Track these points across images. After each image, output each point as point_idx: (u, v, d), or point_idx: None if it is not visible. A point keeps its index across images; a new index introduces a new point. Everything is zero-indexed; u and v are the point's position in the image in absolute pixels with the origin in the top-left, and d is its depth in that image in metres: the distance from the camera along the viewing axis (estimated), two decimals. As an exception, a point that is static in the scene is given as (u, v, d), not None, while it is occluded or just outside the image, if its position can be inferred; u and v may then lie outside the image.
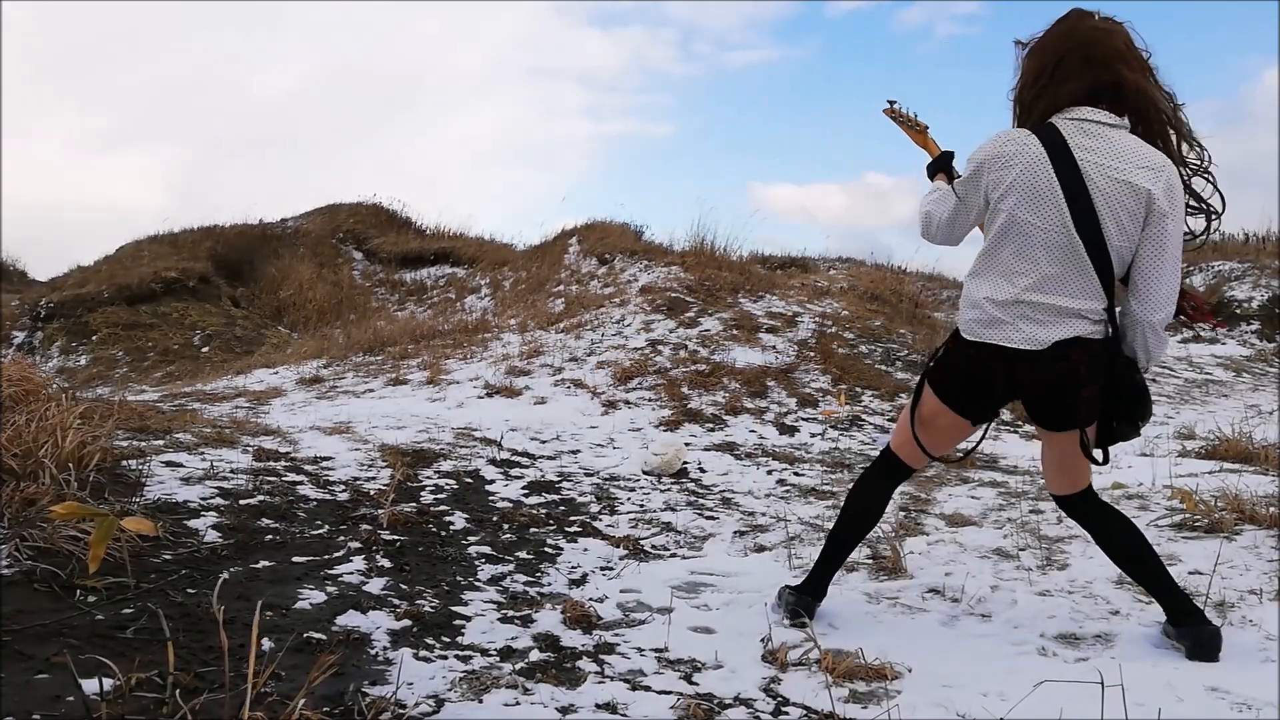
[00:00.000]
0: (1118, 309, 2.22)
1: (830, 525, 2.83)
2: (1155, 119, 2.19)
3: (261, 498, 3.34)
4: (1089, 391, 2.21)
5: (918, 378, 2.51)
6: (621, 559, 3.24)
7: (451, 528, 3.39)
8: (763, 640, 2.43)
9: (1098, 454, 2.33)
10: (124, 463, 3.36)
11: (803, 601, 2.59)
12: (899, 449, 2.54)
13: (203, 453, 3.85)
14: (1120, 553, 2.40)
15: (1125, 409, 2.25)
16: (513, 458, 4.65)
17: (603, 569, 3.12)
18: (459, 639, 2.37)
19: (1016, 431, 6.04)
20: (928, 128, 2.84)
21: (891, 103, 2.92)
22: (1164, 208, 2.12)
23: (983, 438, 2.81)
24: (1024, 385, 2.25)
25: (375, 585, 2.66)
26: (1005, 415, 6.11)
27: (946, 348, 2.39)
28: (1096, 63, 2.14)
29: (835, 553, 2.62)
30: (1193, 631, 2.28)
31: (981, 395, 2.34)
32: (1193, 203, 2.25)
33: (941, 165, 2.65)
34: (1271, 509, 3.32)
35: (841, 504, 2.67)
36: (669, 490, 4.32)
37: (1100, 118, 2.16)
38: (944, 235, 2.40)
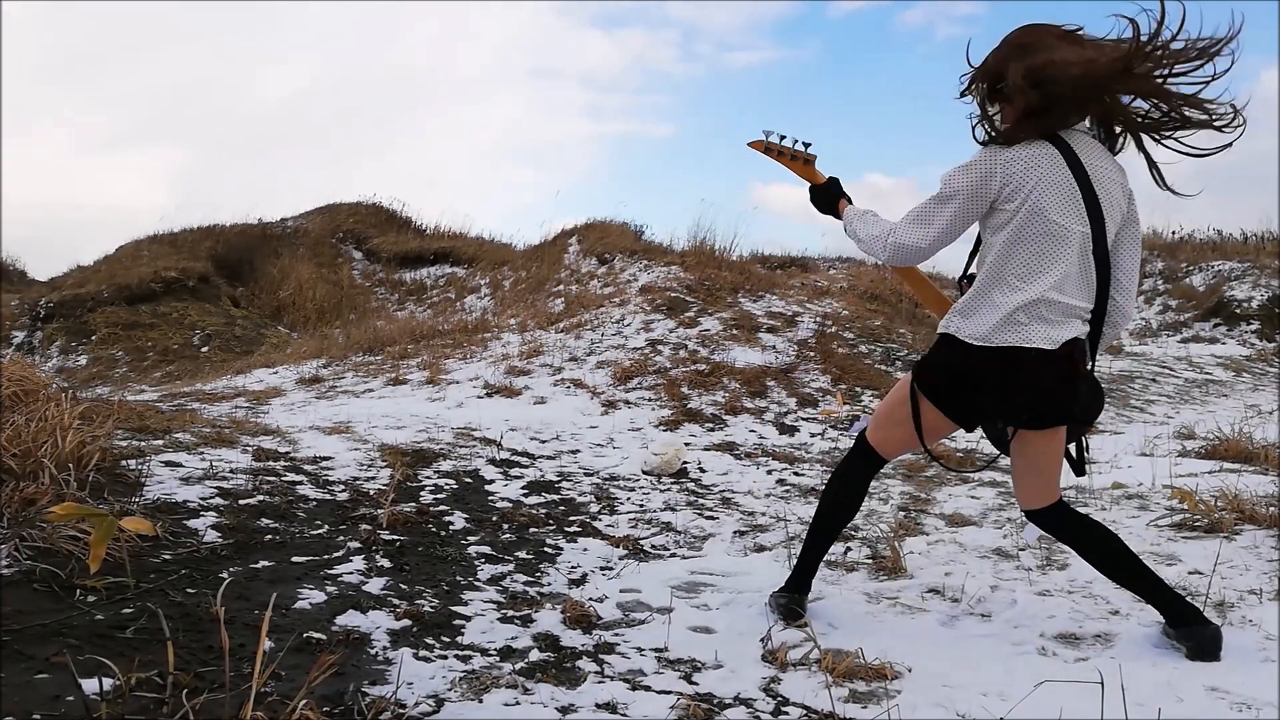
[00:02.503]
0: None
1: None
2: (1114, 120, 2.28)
3: (261, 498, 3.34)
4: (1079, 385, 2.27)
5: (905, 378, 2.48)
6: (621, 559, 3.24)
7: (451, 528, 3.39)
8: (763, 640, 2.43)
9: (1079, 461, 2.39)
10: (123, 463, 3.36)
11: (792, 600, 2.60)
12: (878, 443, 2.54)
13: (202, 453, 3.85)
14: (1103, 562, 2.39)
15: (1093, 402, 2.32)
16: (512, 458, 4.65)
17: (603, 569, 3.12)
18: (459, 639, 2.37)
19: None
20: (815, 157, 2.63)
21: (766, 134, 2.68)
22: (1136, 209, 2.31)
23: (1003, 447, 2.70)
24: (1024, 386, 2.24)
25: (375, 585, 2.66)
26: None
27: (939, 352, 2.36)
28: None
29: (816, 547, 2.64)
30: (1193, 632, 2.27)
31: (976, 398, 2.32)
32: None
33: (837, 190, 2.58)
34: (1271, 509, 3.32)
35: (821, 497, 2.67)
36: (669, 490, 4.32)
37: (1081, 126, 2.27)
38: (927, 253, 2.33)
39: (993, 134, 2.26)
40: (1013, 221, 2.19)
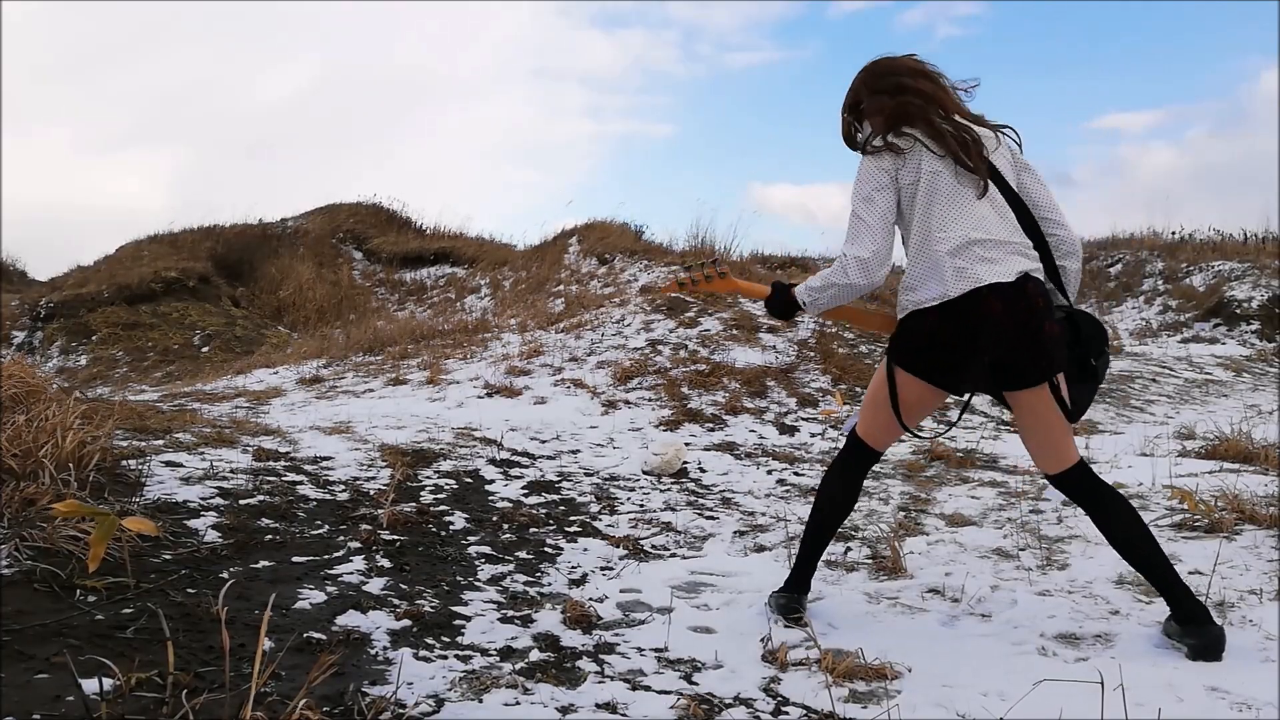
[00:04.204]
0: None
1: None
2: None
3: (261, 498, 3.34)
4: (1050, 328, 2.32)
5: (882, 364, 2.50)
6: (621, 559, 3.24)
7: (451, 528, 3.39)
8: (763, 640, 2.43)
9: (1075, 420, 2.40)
10: (124, 462, 3.36)
11: (792, 600, 2.61)
12: (867, 435, 2.56)
13: (202, 453, 3.85)
14: (1121, 540, 2.37)
15: (1094, 343, 2.42)
16: (513, 458, 4.66)
17: (603, 569, 3.12)
18: (459, 639, 2.37)
19: (1016, 431, 6.04)
20: (727, 270, 2.69)
21: (676, 275, 2.78)
22: (1024, 158, 2.50)
23: (962, 413, 2.88)
24: (994, 332, 2.27)
25: (375, 585, 2.66)
26: (1006, 416, 6.11)
27: (905, 327, 2.40)
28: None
29: (813, 546, 2.64)
30: (1198, 630, 2.27)
31: (951, 355, 2.34)
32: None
33: (783, 291, 2.58)
34: (1271, 509, 3.32)
35: (816, 495, 2.68)
36: (669, 490, 4.32)
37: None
38: (884, 249, 2.39)
39: (870, 139, 2.45)
40: (918, 191, 2.36)
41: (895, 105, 2.41)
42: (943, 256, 2.30)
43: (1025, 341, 2.29)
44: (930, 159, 2.36)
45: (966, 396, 2.68)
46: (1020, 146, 2.51)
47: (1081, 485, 2.41)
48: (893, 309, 2.52)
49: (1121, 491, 3.89)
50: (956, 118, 2.41)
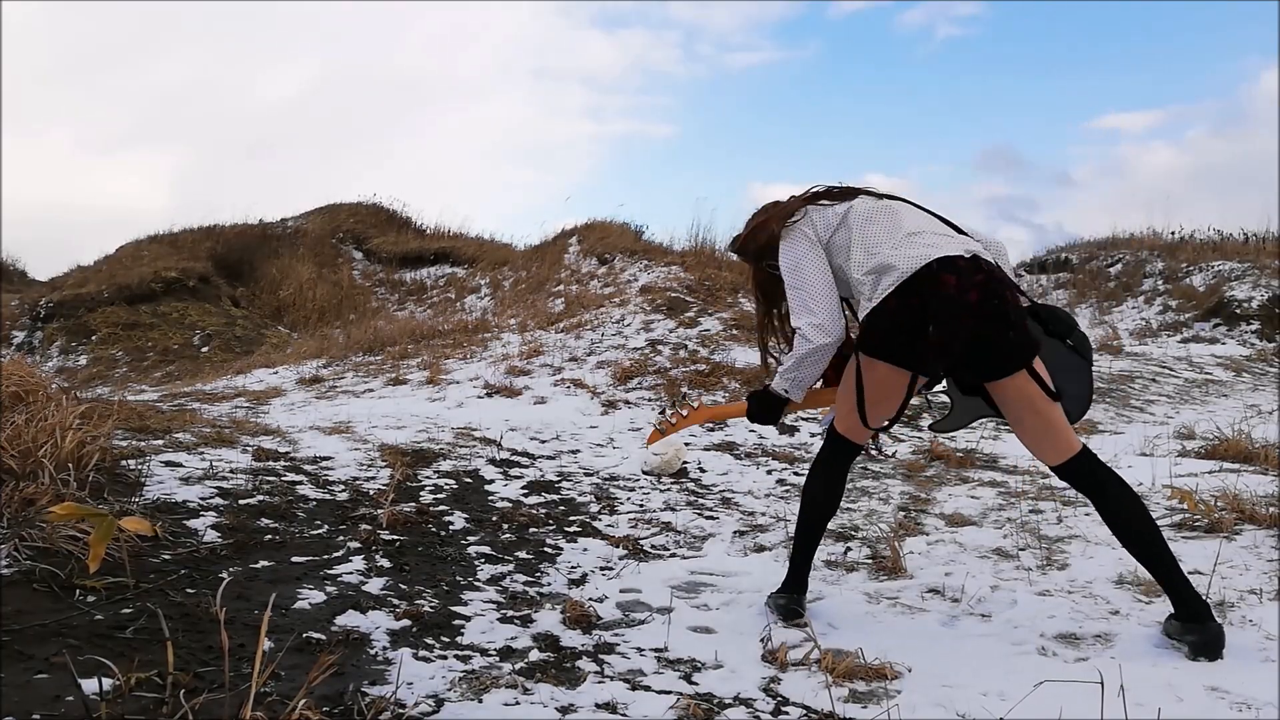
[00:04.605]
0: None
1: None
2: None
3: (261, 498, 3.34)
4: (1013, 297, 2.34)
5: (852, 359, 2.50)
6: (621, 559, 3.24)
7: (451, 528, 3.39)
8: (762, 640, 2.43)
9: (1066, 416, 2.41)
10: (123, 463, 3.36)
11: (790, 600, 2.62)
12: (845, 430, 2.56)
13: (202, 453, 3.85)
14: (1125, 531, 2.34)
15: (1061, 324, 2.49)
16: (512, 457, 4.65)
17: (602, 569, 3.12)
18: (459, 639, 2.37)
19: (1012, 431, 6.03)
20: (700, 403, 2.92)
21: (656, 423, 2.95)
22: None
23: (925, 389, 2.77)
24: (952, 305, 2.26)
25: (375, 585, 2.66)
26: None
27: (864, 324, 2.42)
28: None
29: (805, 546, 2.64)
30: (1198, 628, 2.27)
31: (912, 333, 2.33)
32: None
33: (760, 397, 2.63)
34: (1271, 509, 3.32)
35: (800, 495, 2.68)
36: (669, 490, 4.32)
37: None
38: (834, 310, 2.45)
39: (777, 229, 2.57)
40: (847, 230, 2.46)
41: (782, 206, 2.61)
42: (885, 255, 2.36)
43: (986, 315, 2.27)
44: (839, 207, 2.51)
45: (940, 384, 2.69)
46: None
47: (1086, 473, 2.38)
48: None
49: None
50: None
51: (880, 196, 2.55)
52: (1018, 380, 2.35)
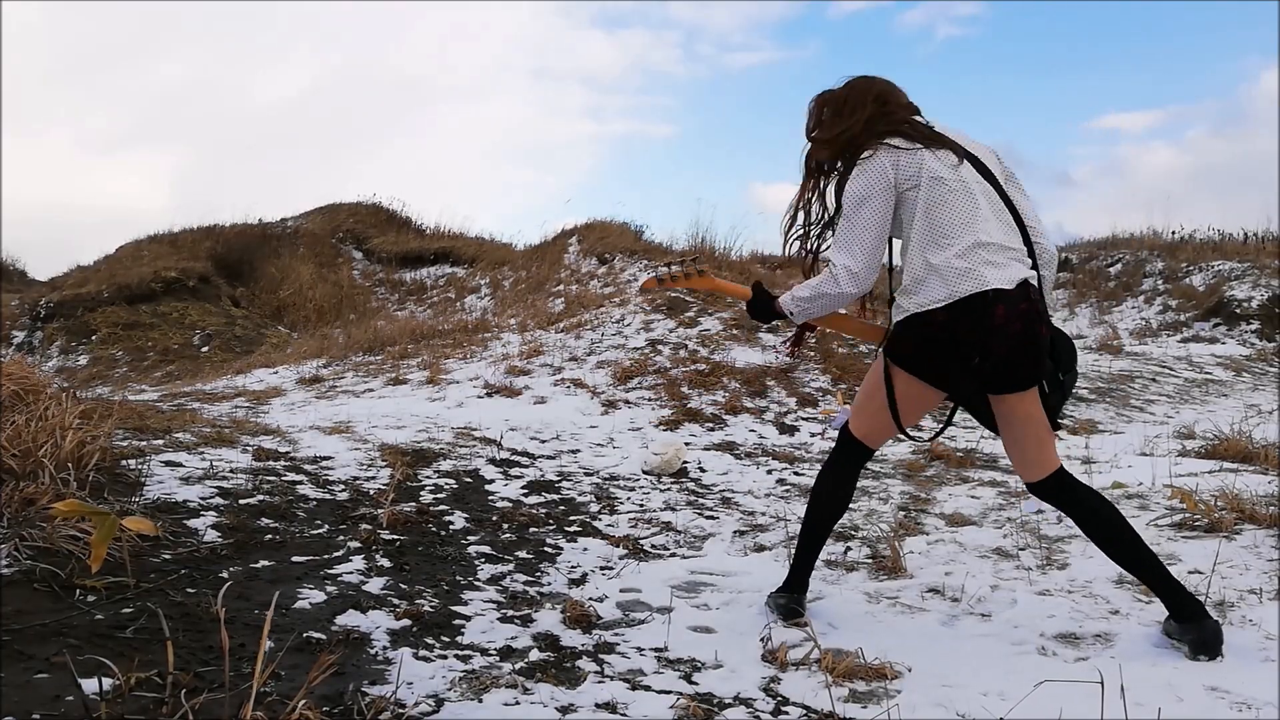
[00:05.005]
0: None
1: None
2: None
3: (261, 497, 3.34)
4: (1044, 331, 2.33)
5: (877, 362, 2.48)
6: (621, 559, 3.24)
7: (451, 527, 3.39)
8: (762, 640, 2.43)
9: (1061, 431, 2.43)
10: (124, 462, 3.36)
11: (791, 600, 2.61)
12: (862, 434, 2.54)
13: (202, 452, 3.85)
14: (1106, 541, 2.37)
15: (1065, 359, 2.43)
16: (512, 457, 4.65)
17: (603, 569, 3.12)
18: (459, 639, 2.37)
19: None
20: (706, 268, 2.71)
21: (656, 272, 2.73)
22: (1008, 165, 2.50)
23: (950, 419, 2.75)
24: (997, 336, 2.25)
25: (375, 585, 2.66)
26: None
27: (904, 329, 2.36)
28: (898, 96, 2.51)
29: (810, 546, 2.64)
30: (1194, 626, 2.27)
31: (951, 357, 2.32)
32: None
33: (765, 295, 2.59)
34: (1271, 509, 3.32)
35: (809, 495, 2.67)
36: (669, 490, 4.32)
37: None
38: (875, 260, 2.38)
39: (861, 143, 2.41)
40: (920, 196, 2.31)
41: (882, 112, 2.41)
42: (948, 259, 2.27)
43: (1024, 344, 2.28)
44: (931, 160, 2.32)
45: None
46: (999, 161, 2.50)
47: (1062, 491, 2.41)
48: (881, 315, 2.51)
49: (1121, 491, 3.92)
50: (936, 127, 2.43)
51: (961, 157, 2.36)
52: (1026, 397, 2.36)
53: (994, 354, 2.28)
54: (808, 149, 2.55)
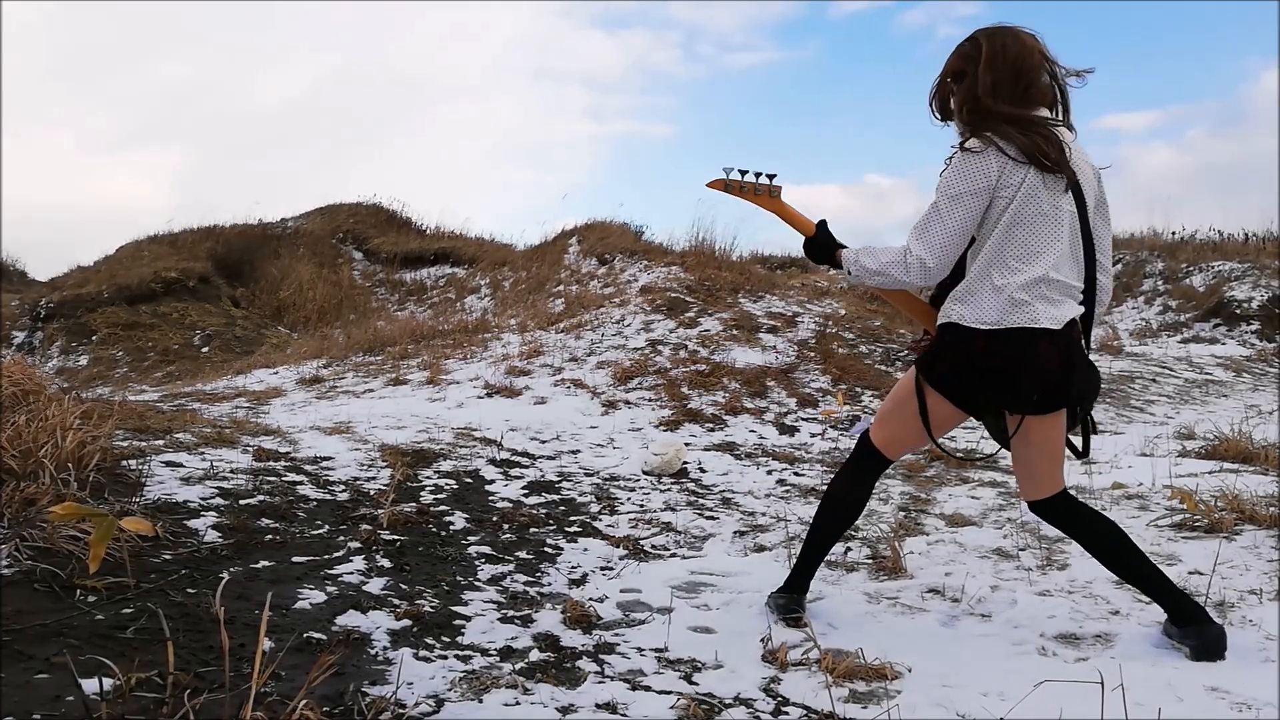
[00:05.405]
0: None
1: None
2: (1069, 111, 2.38)
3: (261, 498, 3.34)
4: (1081, 361, 2.31)
5: (909, 375, 2.46)
6: (621, 559, 3.24)
7: (451, 528, 3.39)
8: (763, 640, 2.43)
9: (1079, 445, 2.42)
10: (124, 463, 3.36)
11: (791, 600, 2.61)
12: (883, 443, 2.51)
13: (203, 453, 3.85)
14: (1108, 556, 2.38)
15: (1089, 384, 2.37)
16: (513, 458, 4.66)
17: (603, 569, 3.12)
18: (459, 639, 2.37)
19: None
20: (780, 189, 2.51)
21: (726, 171, 2.54)
22: (1104, 190, 2.39)
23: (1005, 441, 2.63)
24: (1033, 370, 2.23)
25: (375, 585, 2.66)
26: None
27: (944, 342, 2.33)
28: (1043, 72, 2.30)
29: (817, 549, 2.63)
30: (1198, 631, 2.27)
31: (987, 386, 2.30)
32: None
33: (829, 237, 2.50)
34: (1271, 509, 3.32)
35: (822, 497, 2.66)
36: (669, 490, 4.32)
37: (1050, 118, 2.30)
38: (951, 259, 2.29)
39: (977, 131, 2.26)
40: (1010, 206, 2.22)
41: (1027, 120, 2.24)
42: (1011, 285, 2.21)
43: (1060, 379, 2.26)
44: (1034, 178, 2.21)
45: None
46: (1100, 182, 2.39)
47: (1062, 511, 2.40)
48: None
49: (1121, 492, 3.92)
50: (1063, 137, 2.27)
51: (1069, 187, 2.24)
52: (1054, 417, 2.34)
53: (1031, 389, 2.26)
54: (944, 89, 2.39)
